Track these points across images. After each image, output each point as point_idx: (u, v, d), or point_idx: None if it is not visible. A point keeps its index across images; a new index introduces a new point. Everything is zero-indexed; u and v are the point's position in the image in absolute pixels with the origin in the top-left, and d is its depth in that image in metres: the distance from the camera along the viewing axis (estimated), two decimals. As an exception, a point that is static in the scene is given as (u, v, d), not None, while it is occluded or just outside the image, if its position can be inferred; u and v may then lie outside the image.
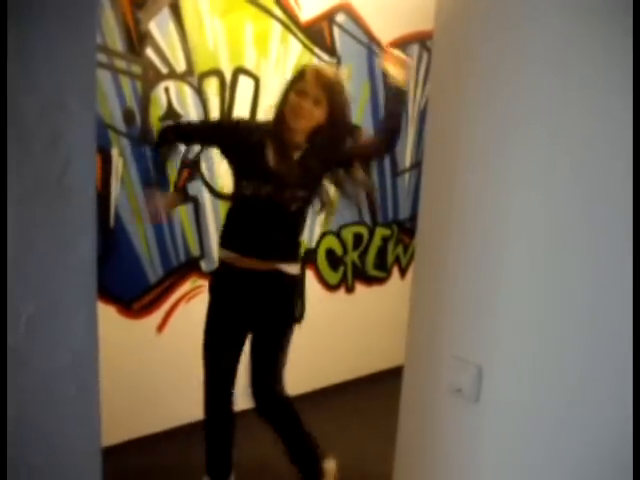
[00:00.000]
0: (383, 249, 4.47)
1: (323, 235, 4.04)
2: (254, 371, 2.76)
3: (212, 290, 2.82)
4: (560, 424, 1.40)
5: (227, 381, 2.84)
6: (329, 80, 2.57)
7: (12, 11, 0.96)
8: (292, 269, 2.73)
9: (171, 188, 3.27)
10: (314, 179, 2.68)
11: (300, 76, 2.59)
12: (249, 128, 2.79)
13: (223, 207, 3.48)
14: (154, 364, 3.40)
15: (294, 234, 2.75)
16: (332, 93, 2.57)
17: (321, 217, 3.69)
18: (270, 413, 2.79)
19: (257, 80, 3.46)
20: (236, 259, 2.68)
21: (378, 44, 3.97)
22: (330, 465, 2.92)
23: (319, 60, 3.69)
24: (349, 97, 2.68)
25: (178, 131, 2.91)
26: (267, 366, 2.78)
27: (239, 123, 2.94)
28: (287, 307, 2.81)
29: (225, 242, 2.75)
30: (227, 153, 2.77)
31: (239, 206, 2.73)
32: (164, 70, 3.12)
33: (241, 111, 3.44)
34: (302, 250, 2.91)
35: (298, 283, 2.84)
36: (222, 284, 2.79)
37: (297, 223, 2.73)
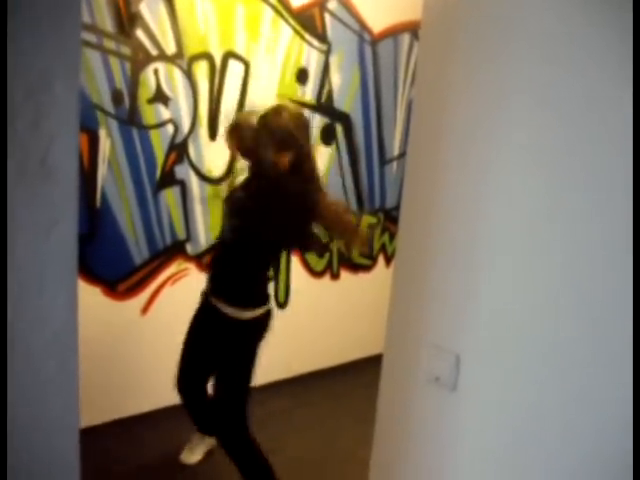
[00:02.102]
0: (369, 237, 4.49)
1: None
2: (216, 407, 2.79)
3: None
4: (537, 413, 1.42)
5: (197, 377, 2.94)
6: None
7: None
8: (240, 314, 2.63)
9: (158, 171, 3.28)
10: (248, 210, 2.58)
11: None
12: None
13: (210, 190, 3.49)
14: (138, 346, 3.42)
15: (243, 275, 2.66)
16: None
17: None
18: (230, 449, 2.78)
19: (247, 65, 3.46)
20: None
21: (370, 32, 3.97)
22: None
23: (310, 46, 3.69)
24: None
25: None
26: (226, 405, 2.76)
27: None
28: (234, 353, 2.73)
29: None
30: None
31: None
32: (154, 52, 3.11)
33: (230, 95, 3.44)
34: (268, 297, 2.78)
35: (250, 329, 2.70)
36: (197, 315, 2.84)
37: (243, 261, 2.63)
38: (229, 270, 2.66)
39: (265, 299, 2.71)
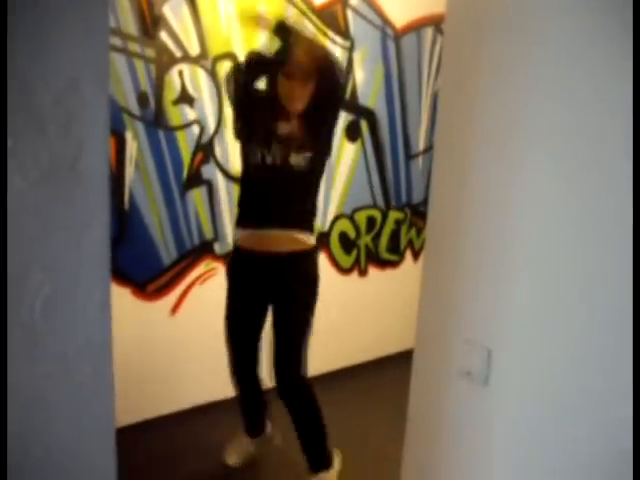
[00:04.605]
0: (396, 232, 4.48)
1: (336, 218, 4.05)
2: (277, 353, 2.80)
3: (231, 276, 2.87)
4: (568, 409, 1.40)
5: (250, 361, 2.94)
6: (314, 55, 2.59)
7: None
8: (308, 239, 2.76)
9: (185, 172, 3.30)
10: (315, 137, 2.67)
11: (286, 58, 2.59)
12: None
13: (237, 190, 3.50)
14: (168, 346, 3.44)
15: (305, 200, 2.76)
16: (319, 65, 2.59)
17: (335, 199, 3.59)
18: (289, 397, 2.81)
19: (270, 63, 3.45)
20: (252, 237, 2.75)
21: (392, 27, 3.96)
22: (336, 460, 2.97)
23: (332, 43, 3.68)
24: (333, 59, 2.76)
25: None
26: (289, 348, 2.81)
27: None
28: (305, 281, 2.81)
29: (241, 218, 2.82)
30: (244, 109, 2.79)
31: (250, 177, 2.76)
32: (178, 54, 3.13)
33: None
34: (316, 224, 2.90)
35: (315, 256, 2.84)
36: (240, 269, 2.85)
37: (307, 187, 2.75)
38: (299, 195, 2.74)
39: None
